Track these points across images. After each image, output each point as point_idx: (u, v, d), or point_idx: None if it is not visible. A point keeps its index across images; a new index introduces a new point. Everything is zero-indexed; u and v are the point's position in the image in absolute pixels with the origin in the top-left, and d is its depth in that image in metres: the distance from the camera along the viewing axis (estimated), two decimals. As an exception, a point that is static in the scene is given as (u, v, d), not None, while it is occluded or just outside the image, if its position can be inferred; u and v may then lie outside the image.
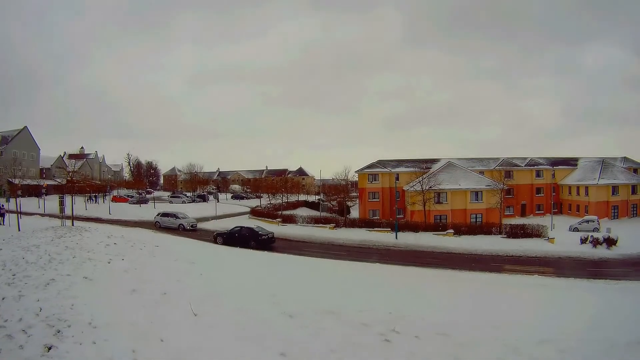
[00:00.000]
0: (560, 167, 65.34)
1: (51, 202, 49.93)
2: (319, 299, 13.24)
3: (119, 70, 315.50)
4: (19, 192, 41.62)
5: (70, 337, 8.30)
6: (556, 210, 59.41)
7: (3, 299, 10.52)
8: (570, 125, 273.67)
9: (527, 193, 63.19)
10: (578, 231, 40.63)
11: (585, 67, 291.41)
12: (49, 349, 7.69)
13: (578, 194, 60.84)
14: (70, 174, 51.49)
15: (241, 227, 32.26)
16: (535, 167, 64.28)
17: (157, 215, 42.13)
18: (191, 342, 8.80)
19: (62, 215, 30.53)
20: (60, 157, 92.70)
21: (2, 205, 34.48)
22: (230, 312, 11.12)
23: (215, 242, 31.36)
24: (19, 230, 26.51)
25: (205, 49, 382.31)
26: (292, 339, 9.46)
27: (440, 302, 14.10)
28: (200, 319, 10.25)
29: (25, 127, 78.73)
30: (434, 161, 61.81)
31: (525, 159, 65.58)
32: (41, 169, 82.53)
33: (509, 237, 34.22)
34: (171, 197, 79.32)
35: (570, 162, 66.37)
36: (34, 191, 63.84)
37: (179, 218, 40.67)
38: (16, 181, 48.80)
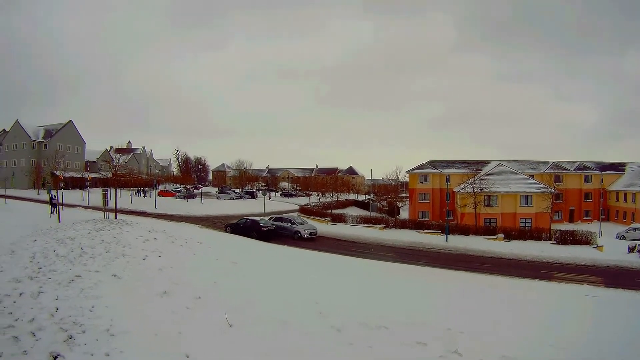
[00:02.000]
0: (608, 172, 66.28)
1: (95, 195, 51.67)
2: (368, 309, 12.51)
3: (171, 68, 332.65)
4: (62, 184, 42.95)
5: (82, 345, 7.61)
6: (604, 216, 59.05)
7: (21, 294, 10.14)
8: (612, 130, 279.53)
9: (575, 198, 64.61)
10: (625, 239, 40.32)
11: (627, 72, 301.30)
12: (55, 358, 7.00)
13: (625, 200, 61.44)
14: (116, 167, 52.99)
15: (246, 219, 35.39)
16: (584, 171, 65.54)
17: (269, 219, 37.76)
18: (222, 359, 7.89)
19: (105, 208, 31.02)
20: (107, 151, 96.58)
21: (55, 197, 35.52)
22: (271, 322, 10.17)
23: (225, 231, 34.76)
24: (59, 221, 27.01)
25: (257, 47, 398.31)
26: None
27: (498, 315, 13.52)
28: (235, 330, 9.33)
29: (70, 121, 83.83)
30: (484, 163, 63.15)
31: (574, 162, 67.06)
32: (86, 162, 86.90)
33: (558, 243, 34.29)
34: (219, 192, 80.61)
35: (618, 167, 67.53)
36: (78, 184, 66.85)
37: (295, 224, 36.18)
38: (59, 173, 50.63)
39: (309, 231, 35.02)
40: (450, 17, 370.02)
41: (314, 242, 34.01)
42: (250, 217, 35.98)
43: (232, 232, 34.13)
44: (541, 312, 14.61)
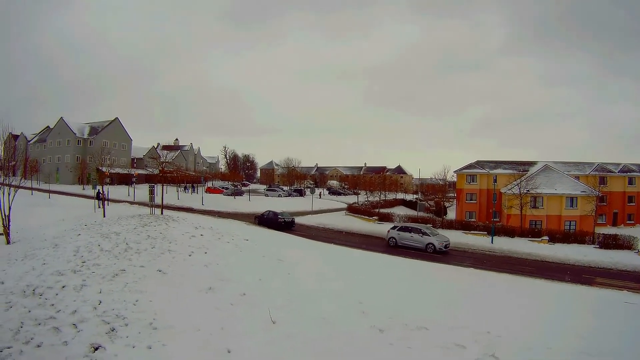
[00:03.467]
0: (651, 174, 65.80)
1: (141, 191, 53.53)
2: (410, 309, 12.89)
3: (221, 67, 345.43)
4: (107, 180, 44.54)
5: (124, 337, 7.94)
6: (646, 221, 59.31)
7: (63, 287, 10.60)
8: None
9: (619, 201, 63.69)
10: None
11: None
12: (95, 349, 7.30)
13: (668, 204, 62.31)
14: (163, 164, 54.43)
15: (269, 211, 39.92)
16: (628, 173, 64.55)
17: (392, 229, 34.16)
18: (263, 355, 8.05)
19: (151, 204, 31.77)
20: (154, 148, 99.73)
21: (102, 192, 36.84)
22: (314, 320, 10.41)
23: (254, 221, 38.99)
24: (104, 216, 27.94)
25: (308, 47, 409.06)
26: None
27: (536, 320, 13.78)
28: (278, 327, 9.53)
29: (117, 118, 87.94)
30: (531, 164, 63.25)
31: (618, 164, 66.25)
32: (133, 159, 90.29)
33: (601, 247, 34.43)
34: (267, 190, 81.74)
35: (661, 170, 66.67)
36: (124, 180, 69.77)
37: (428, 235, 31.97)
38: (105, 169, 52.59)
39: (444, 243, 31.47)
40: (497, 18, 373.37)
41: (360, 241, 34.25)
42: (272, 210, 40.22)
43: (259, 223, 38.61)
44: (579, 318, 14.73)
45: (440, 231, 38.21)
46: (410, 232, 32.63)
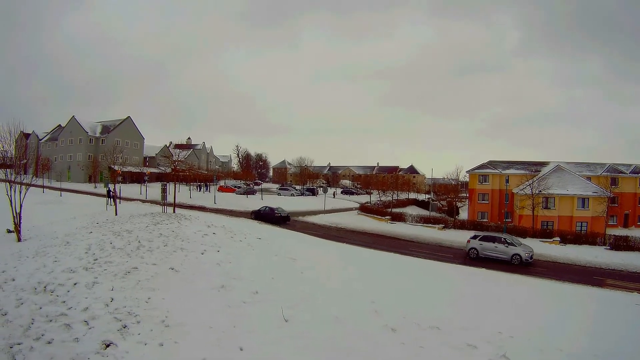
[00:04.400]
0: (662, 175, 66.49)
1: (153, 189, 54.07)
2: (422, 309, 13.03)
3: (235, 67, 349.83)
4: (119, 178, 44.99)
5: (136, 334, 7.98)
6: (657, 222, 61.48)
7: (75, 284, 10.65)
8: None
9: (630, 202, 64.18)
10: None
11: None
12: (107, 346, 7.34)
13: (677, 205, 62.81)
14: (175, 162, 54.85)
15: (266, 207, 43.12)
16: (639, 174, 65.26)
17: (473, 238, 31.32)
18: (275, 354, 8.06)
19: (163, 203, 31.94)
20: (166, 147, 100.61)
21: (112, 190, 37.18)
22: (326, 319, 10.43)
23: (251, 216, 41.97)
24: (116, 214, 28.09)
25: (323, 48, 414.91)
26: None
27: (547, 321, 13.77)
28: (290, 326, 9.57)
29: (129, 117, 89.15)
30: (543, 164, 64.08)
31: (630, 165, 66.65)
32: (145, 157, 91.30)
33: (612, 248, 34.75)
34: (279, 189, 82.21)
35: (671, 171, 67.56)
36: (136, 178, 70.56)
37: (514, 244, 29.58)
38: (117, 167, 53.06)
39: (529, 253, 29.18)
40: (511, 20, 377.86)
41: (373, 240, 34.45)
42: (268, 206, 43.17)
43: (255, 217, 41.48)
44: (590, 320, 14.86)
45: (452, 231, 39.45)
46: (494, 242, 30.12)
